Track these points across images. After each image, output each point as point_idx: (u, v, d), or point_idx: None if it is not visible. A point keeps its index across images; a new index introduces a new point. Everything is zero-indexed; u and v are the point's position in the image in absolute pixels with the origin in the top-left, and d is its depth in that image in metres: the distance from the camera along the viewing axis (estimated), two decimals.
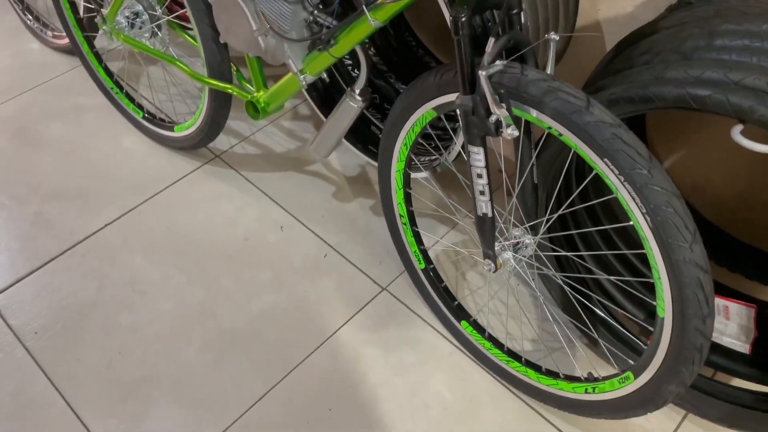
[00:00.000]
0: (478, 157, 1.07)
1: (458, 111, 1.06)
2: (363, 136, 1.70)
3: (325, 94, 1.70)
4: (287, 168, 1.86)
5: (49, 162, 1.85)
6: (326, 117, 1.70)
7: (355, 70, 1.74)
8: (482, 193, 1.10)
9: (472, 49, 1.01)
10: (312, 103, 1.70)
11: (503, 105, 1.00)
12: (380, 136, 1.69)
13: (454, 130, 1.37)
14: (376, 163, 1.69)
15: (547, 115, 0.98)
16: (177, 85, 2.05)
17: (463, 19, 0.98)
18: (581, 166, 1.31)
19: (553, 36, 1.02)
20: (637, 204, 0.92)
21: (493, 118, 1.01)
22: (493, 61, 0.99)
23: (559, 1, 1.35)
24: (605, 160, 0.93)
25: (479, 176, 1.09)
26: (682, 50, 0.96)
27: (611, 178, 0.94)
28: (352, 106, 1.41)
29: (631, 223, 0.96)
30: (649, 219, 0.91)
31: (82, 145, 1.89)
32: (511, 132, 1.00)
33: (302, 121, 1.99)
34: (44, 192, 1.78)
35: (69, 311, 1.52)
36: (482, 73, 0.97)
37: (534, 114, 1.00)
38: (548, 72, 1.03)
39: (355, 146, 1.69)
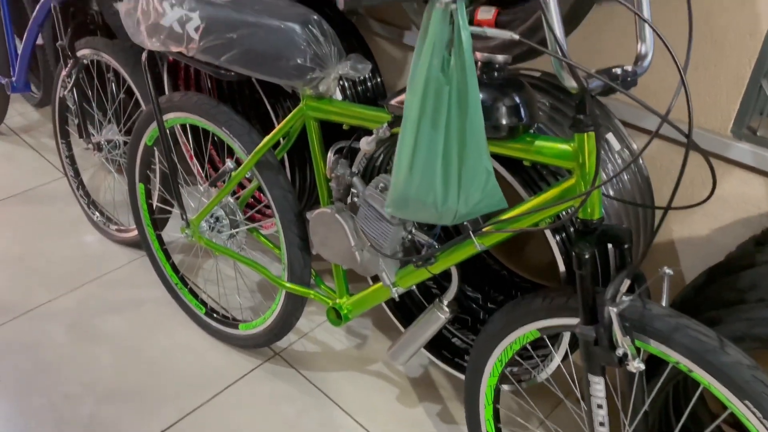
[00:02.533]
0: (598, 387, 1.07)
1: (579, 340, 1.07)
2: (435, 339, 1.69)
3: (400, 301, 1.72)
4: (348, 367, 1.83)
5: (105, 358, 1.80)
6: (398, 321, 1.71)
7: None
8: (602, 424, 1.08)
9: (593, 282, 1.05)
10: (387, 311, 1.71)
11: (628, 337, 1.01)
12: (451, 339, 1.70)
13: (553, 342, 1.36)
14: (444, 365, 1.67)
15: (676, 351, 0.99)
16: (244, 277, 2.08)
17: (587, 256, 1.03)
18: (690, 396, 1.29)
19: (667, 270, 1.06)
20: None
21: (619, 351, 1.02)
22: (616, 294, 1.02)
23: (639, 219, 1.43)
24: (746, 402, 0.93)
25: (599, 407, 1.07)
26: None
27: (753, 422, 0.93)
28: (439, 316, 1.42)
29: None
30: None
31: (140, 340, 1.87)
32: (637, 365, 1.01)
33: (361, 317, 1.99)
34: (100, 391, 1.71)
35: None
36: (613, 310, 0.99)
37: (657, 346, 1.01)
38: (663, 304, 1.06)
39: (428, 350, 1.68)
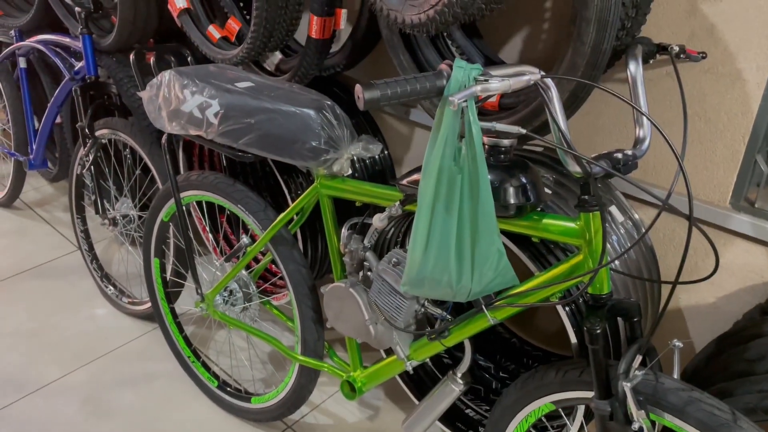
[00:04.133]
0: None
1: (595, 415, 1.09)
2: (449, 411, 1.69)
3: (414, 374, 1.73)
4: None
5: None
6: (411, 393, 1.72)
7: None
8: None
9: (606, 357, 1.07)
10: (400, 382, 1.72)
11: (642, 411, 1.03)
12: (465, 411, 1.70)
13: (568, 413, 1.37)
14: None
15: (690, 424, 1.00)
16: (256, 348, 2.09)
17: (598, 331, 1.06)
18: None
19: (677, 343, 1.09)
20: None
21: (635, 426, 1.03)
22: (629, 369, 1.05)
23: (646, 289, 1.46)
24: None
25: None
26: None
27: None
28: (453, 389, 1.43)
29: None
30: None
31: (153, 415, 1.86)
32: None
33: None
34: None
35: None
36: (627, 385, 1.01)
37: (671, 420, 1.03)
38: (675, 376, 1.08)
39: (442, 422, 1.68)
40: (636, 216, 1.51)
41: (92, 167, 2.10)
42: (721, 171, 1.34)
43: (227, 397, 1.86)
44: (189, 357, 1.95)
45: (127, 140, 2.03)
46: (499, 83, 0.87)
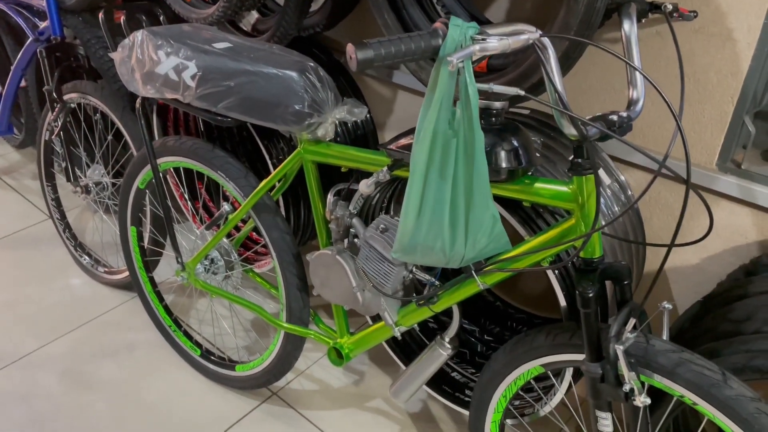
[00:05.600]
0: (605, 422, 1.09)
1: (585, 377, 1.09)
2: (435, 374, 1.70)
3: (401, 339, 1.73)
4: (347, 404, 1.82)
5: (101, 406, 1.77)
6: (399, 358, 1.72)
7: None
8: None
9: (597, 320, 1.07)
10: (387, 348, 1.72)
11: (633, 373, 1.04)
12: (450, 374, 1.71)
13: (556, 374, 1.39)
14: (445, 400, 1.68)
15: (680, 385, 1.02)
16: (239, 316, 2.07)
17: (590, 295, 1.06)
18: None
19: (666, 305, 1.10)
20: None
21: (626, 387, 1.04)
22: (621, 331, 1.05)
23: (632, 252, 1.47)
24: None
25: None
26: None
27: None
28: (440, 353, 1.43)
29: None
30: None
31: (135, 385, 1.84)
32: (644, 400, 1.03)
33: None
34: None
35: None
36: (619, 348, 1.02)
37: (661, 381, 1.04)
38: (664, 338, 1.09)
39: (428, 386, 1.69)
40: (622, 178, 1.51)
41: (61, 133, 2.02)
42: (708, 132, 1.33)
43: (211, 366, 1.84)
44: (170, 326, 1.92)
45: (98, 104, 1.95)
46: (497, 42, 0.84)
